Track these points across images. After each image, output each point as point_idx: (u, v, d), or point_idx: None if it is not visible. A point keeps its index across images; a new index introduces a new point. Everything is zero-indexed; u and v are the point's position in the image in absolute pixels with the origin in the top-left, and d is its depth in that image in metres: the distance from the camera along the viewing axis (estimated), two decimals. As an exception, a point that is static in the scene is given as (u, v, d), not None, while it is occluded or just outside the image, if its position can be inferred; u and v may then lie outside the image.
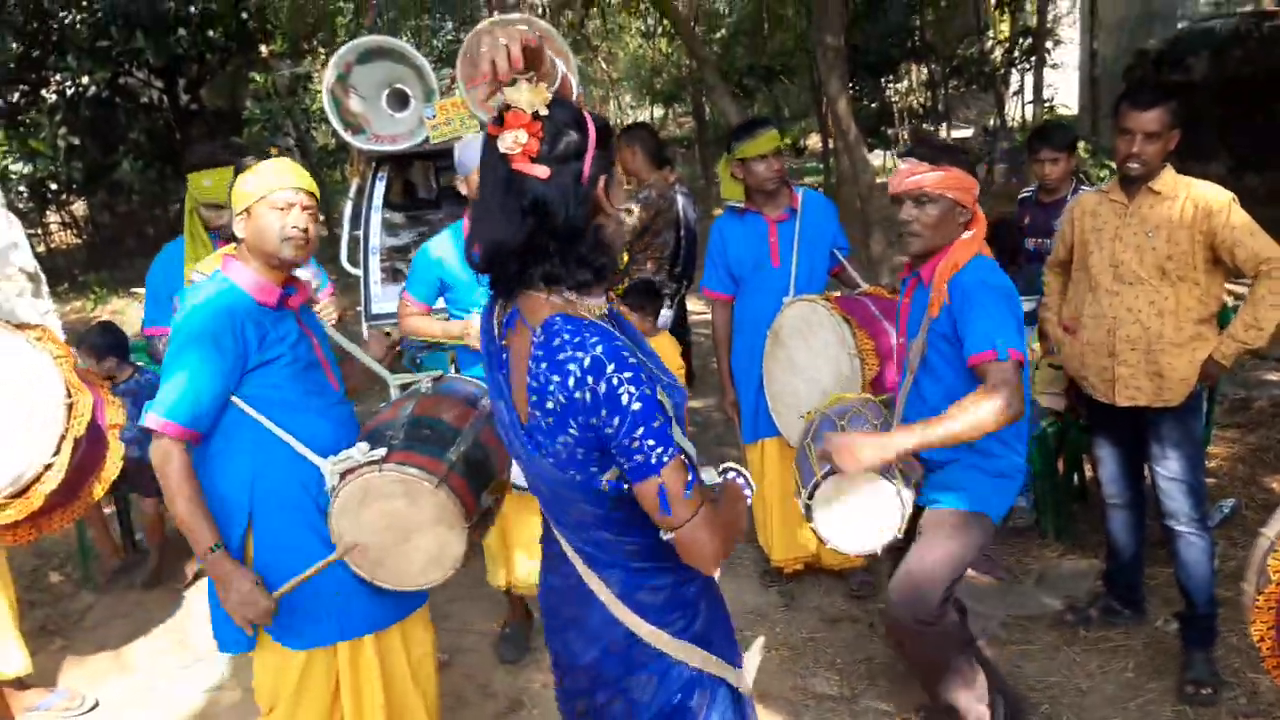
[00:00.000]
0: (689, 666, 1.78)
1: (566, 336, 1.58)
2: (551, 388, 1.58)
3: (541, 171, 1.58)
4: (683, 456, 1.61)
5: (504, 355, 1.73)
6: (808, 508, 2.74)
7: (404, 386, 2.75)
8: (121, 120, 11.86)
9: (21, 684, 3.58)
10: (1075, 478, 4.50)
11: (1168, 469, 3.17)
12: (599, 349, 1.56)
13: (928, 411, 2.63)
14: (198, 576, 4.63)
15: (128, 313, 10.38)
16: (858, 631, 3.69)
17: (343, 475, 2.28)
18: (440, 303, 3.74)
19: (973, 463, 2.71)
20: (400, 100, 5.52)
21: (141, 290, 5.76)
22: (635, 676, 1.77)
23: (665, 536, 1.64)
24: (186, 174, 3.65)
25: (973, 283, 2.57)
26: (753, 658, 2.08)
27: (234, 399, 2.35)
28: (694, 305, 9.25)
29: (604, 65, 21.04)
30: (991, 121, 18.55)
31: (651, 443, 1.57)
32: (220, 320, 2.30)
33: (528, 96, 1.59)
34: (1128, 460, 3.40)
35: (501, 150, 1.59)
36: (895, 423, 2.75)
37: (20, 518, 3.06)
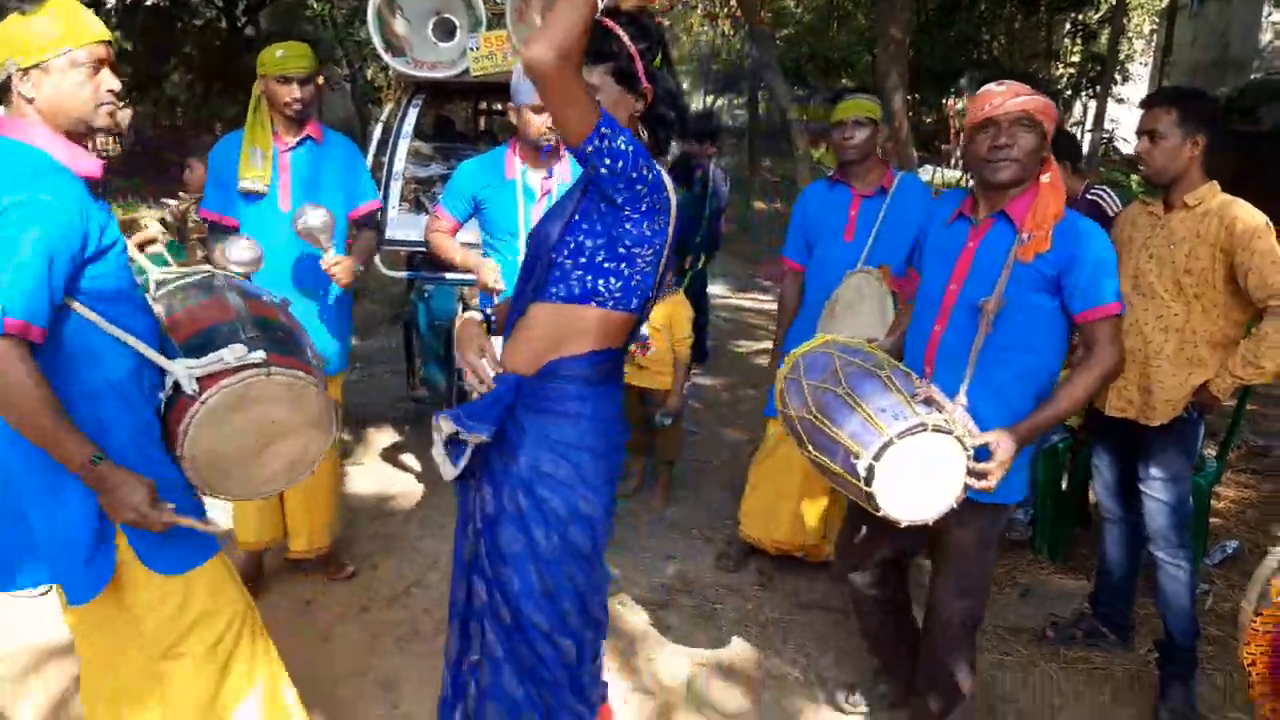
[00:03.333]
0: None
1: None
2: None
3: None
4: None
5: None
6: (870, 470, 2.16)
7: (162, 283, 2.41)
8: (176, 33, 11.82)
9: None
10: (1079, 499, 4.34)
11: (1152, 489, 3.05)
12: None
13: (963, 365, 2.34)
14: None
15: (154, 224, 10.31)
16: (832, 620, 3.56)
17: (201, 380, 2.00)
18: (475, 236, 3.65)
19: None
20: (446, 31, 5.41)
21: (172, 202, 5.69)
22: None
23: None
24: (258, 56, 3.33)
25: (1086, 227, 2.32)
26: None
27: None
28: (716, 289, 9.15)
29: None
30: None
31: None
32: (63, 193, 1.83)
33: None
34: (1123, 474, 3.26)
35: None
36: (928, 373, 2.43)
37: None
